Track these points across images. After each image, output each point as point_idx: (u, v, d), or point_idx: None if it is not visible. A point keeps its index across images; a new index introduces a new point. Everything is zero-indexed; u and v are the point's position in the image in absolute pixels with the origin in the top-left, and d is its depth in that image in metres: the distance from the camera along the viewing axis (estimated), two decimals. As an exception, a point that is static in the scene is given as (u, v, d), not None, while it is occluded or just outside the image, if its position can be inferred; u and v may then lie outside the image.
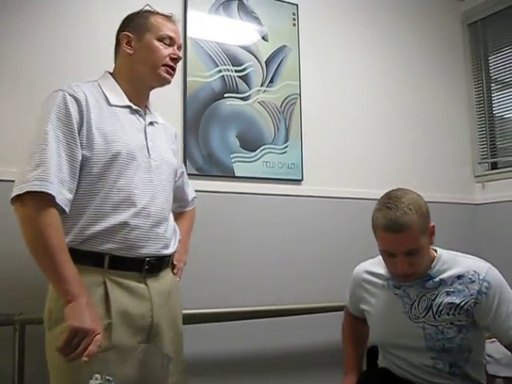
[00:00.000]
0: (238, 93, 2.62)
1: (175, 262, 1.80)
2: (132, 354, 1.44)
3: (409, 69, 3.27)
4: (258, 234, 2.60)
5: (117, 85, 1.69)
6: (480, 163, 3.47)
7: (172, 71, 1.71)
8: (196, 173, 2.44)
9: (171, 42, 1.69)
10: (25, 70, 2.19)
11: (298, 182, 2.74)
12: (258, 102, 2.67)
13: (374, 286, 1.79)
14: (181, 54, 1.72)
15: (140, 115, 1.70)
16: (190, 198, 2.05)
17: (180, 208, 2.02)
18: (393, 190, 1.66)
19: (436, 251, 1.71)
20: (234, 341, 2.49)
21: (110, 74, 1.73)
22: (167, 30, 1.69)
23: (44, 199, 1.42)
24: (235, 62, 2.64)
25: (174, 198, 1.84)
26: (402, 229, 1.53)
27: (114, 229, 1.52)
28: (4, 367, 1.96)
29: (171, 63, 1.69)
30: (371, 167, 3.02)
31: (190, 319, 2.07)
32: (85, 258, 1.50)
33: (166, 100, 2.46)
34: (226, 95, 2.59)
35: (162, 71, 1.68)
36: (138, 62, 1.68)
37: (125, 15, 1.77)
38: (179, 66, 2.44)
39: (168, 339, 1.64)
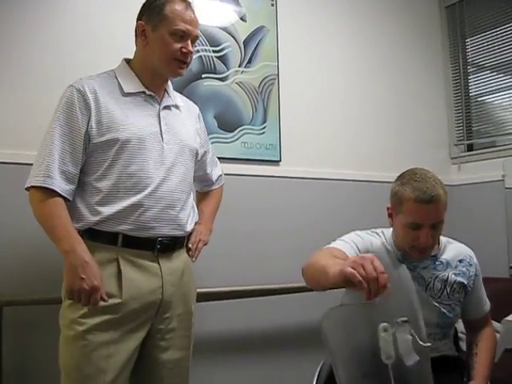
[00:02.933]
0: (215, 73, 2.62)
1: (189, 245, 1.82)
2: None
3: (386, 51, 3.28)
4: (235, 214, 2.60)
5: (132, 72, 1.75)
6: (456, 145, 3.51)
7: (183, 65, 1.74)
8: (174, 153, 2.42)
9: (184, 35, 1.69)
10: (35, 62, 2.20)
11: (276, 162, 2.75)
12: (236, 83, 2.67)
13: (387, 262, 1.74)
14: (191, 48, 1.72)
15: (155, 100, 1.76)
16: (214, 178, 2.07)
17: (205, 188, 2.07)
18: (411, 169, 1.72)
19: None
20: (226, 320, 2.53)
21: (128, 60, 1.79)
22: (181, 23, 1.68)
23: (48, 191, 1.57)
24: (213, 42, 2.63)
25: (196, 178, 1.93)
26: (433, 199, 1.59)
27: (126, 211, 1.61)
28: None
29: (182, 57, 1.71)
30: (348, 148, 3.04)
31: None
32: (99, 236, 1.61)
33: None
34: (203, 76, 2.58)
35: (174, 65, 1.72)
36: (151, 54, 1.72)
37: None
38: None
39: (175, 316, 1.73)
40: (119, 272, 1.61)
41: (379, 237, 1.81)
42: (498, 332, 2.27)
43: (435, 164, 3.37)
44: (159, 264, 1.67)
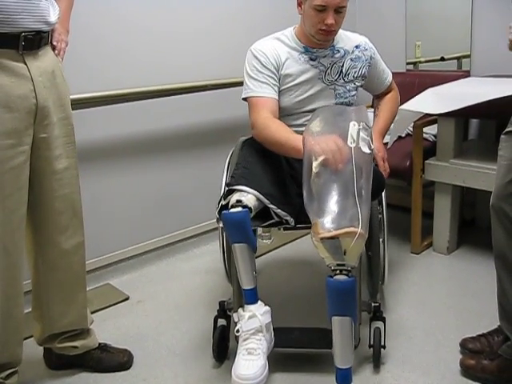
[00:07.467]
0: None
1: (55, 43, 1.66)
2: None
3: None
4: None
5: None
6: None
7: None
8: None
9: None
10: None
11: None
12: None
13: (292, 56, 1.96)
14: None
15: None
16: None
17: None
18: None
19: None
20: (126, 124, 2.55)
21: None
22: None
23: None
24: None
25: None
26: None
27: None
28: None
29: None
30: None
31: (78, 104, 2.09)
32: None
33: None
34: None
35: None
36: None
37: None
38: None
39: (57, 121, 1.63)
40: None
41: (280, 41, 1.98)
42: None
43: None
44: (26, 64, 1.50)
